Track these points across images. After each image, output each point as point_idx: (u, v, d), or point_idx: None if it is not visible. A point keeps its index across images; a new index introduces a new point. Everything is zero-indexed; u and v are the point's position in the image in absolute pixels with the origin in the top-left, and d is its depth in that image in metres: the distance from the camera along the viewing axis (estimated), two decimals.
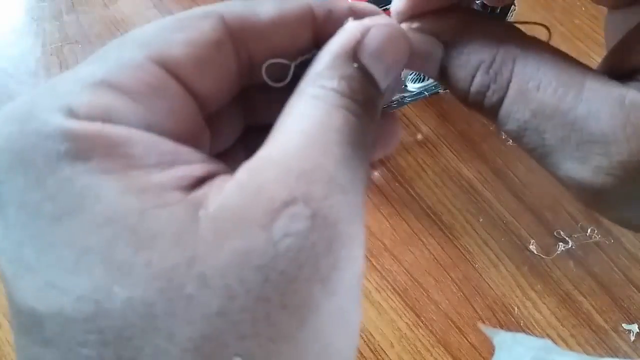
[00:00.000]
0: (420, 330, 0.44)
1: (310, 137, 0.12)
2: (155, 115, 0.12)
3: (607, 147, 0.13)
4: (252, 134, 0.16)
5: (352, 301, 0.12)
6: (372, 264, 0.47)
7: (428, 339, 0.44)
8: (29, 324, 0.11)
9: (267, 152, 0.12)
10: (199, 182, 0.12)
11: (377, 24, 0.13)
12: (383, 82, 0.13)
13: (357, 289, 0.12)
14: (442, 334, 0.44)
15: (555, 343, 0.43)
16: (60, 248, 0.10)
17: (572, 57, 0.15)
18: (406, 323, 0.44)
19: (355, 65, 0.13)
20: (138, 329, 0.10)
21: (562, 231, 0.51)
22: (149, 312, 0.10)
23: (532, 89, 0.14)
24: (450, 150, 0.55)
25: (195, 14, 0.13)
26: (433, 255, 0.48)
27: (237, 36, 0.14)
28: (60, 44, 0.59)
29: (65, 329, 0.10)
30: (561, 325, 0.46)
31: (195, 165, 0.12)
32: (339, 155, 0.12)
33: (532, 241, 0.50)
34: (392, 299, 0.45)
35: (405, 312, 0.45)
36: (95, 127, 0.11)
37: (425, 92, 0.54)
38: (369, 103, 0.13)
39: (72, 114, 0.11)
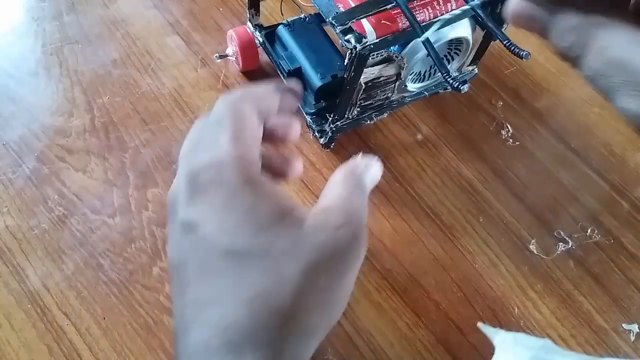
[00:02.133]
0: (420, 330, 0.44)
1: (346, 198, 0.26)
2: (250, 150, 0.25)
3: None
4: None
5: (353, 278, 0.24)
6: (372, 264, 0.47)
7: (428, 339, 0.44)
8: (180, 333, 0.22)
9: (325, 203, 0.25)
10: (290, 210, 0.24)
11: (373, 163, 0.29)
12: (368, 186, 0.28)
13: (357, 271, 0.24)
14: (442, 334, 0.44)
15: (555, 343, 0.43)
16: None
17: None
18: (406, 323, 0.44)
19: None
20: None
21: (562, 231, 0.51)
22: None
23: (604, 47, 0.20)
24: (450, 150, 0.55)
25: (269, 88, 0.28)
26: (433, 255, 0.48)
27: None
28: (60, 44, 0.59)
29: (201, 343, 0.21)
30: (561, 325, 0.46)
31: (290, 201, 0.24)
32: (361, 206, 0.26)
33: (532, 241, 0.50)
34: (392, 299, 0.45)
35: (405, 312, 0.45)
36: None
37: (426, 92, 0.54)
38: (366, 188, 0.28)
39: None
